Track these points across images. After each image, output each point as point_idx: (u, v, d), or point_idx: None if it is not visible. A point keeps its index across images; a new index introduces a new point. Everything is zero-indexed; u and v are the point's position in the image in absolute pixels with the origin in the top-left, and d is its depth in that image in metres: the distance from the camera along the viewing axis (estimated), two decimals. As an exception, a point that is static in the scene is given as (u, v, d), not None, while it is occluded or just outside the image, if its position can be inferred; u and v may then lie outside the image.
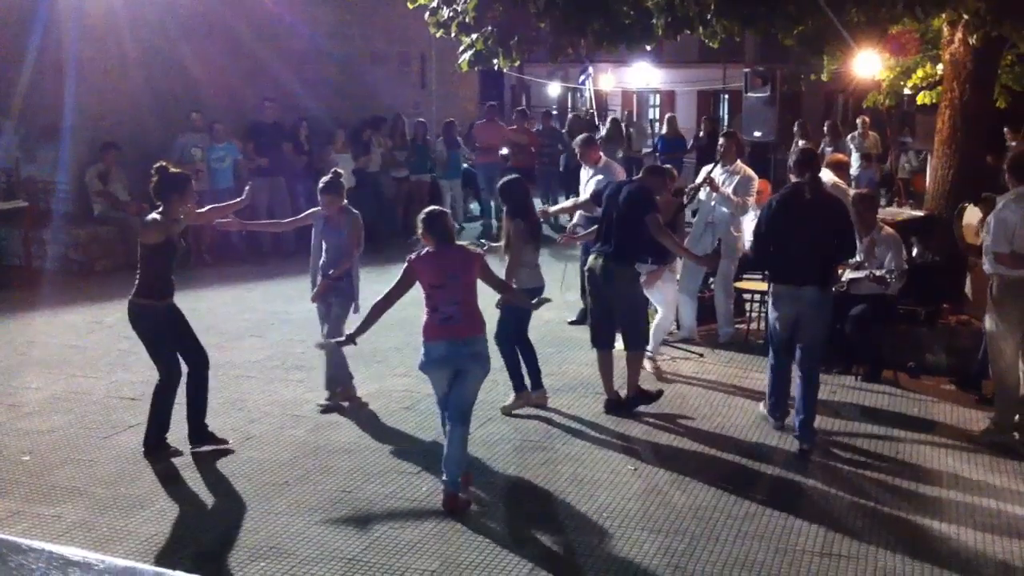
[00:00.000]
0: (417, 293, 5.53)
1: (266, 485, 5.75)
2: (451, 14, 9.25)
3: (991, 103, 9.96)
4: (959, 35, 9.05)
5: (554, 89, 28.71)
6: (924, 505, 5.51)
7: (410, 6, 9.76)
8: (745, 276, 9.15)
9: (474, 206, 16.96)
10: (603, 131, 16.61)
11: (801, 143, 13.52)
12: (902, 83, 13.01)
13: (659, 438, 6.53)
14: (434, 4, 9.43)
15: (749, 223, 8.32)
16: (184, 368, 6.20)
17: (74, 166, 12.14)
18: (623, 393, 7.05)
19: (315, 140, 13.94)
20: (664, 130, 18.36)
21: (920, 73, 11.96)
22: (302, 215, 7.44)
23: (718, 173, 8.68)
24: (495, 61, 9.37)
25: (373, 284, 7.94)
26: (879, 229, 7.85)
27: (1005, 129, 12.90)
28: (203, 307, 9.66)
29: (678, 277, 8.47)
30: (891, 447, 6.39)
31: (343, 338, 5.60)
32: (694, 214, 9.00)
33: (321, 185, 6.99)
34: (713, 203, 8.64)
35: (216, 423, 6.60)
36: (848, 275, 7.71)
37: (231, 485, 5.76)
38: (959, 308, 8.40)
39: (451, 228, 5.63)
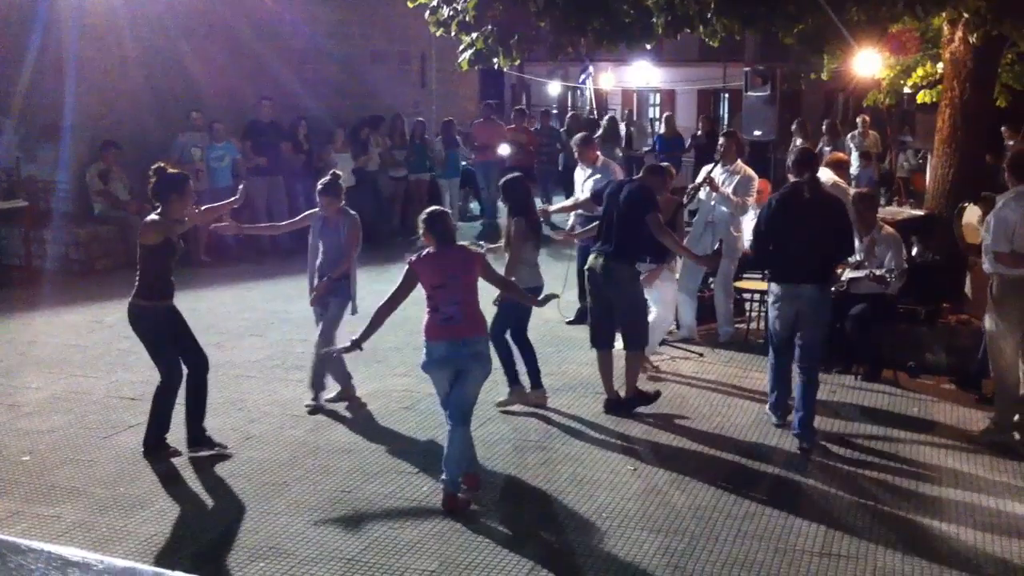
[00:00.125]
0: (418, 293, 5.54)
1: (265, 485, 5.75)
2: (451, 13, 9.25)
3: (991, 102, 9.96)
4: (959, 34, 9.05)
5: (554, 88, 28.69)
6: (924, 505, 5.51)
7: (410, 5, 9.75)
8: (745, 276, 9.15)
9: (474, 205, 16.96)
10: (600, 130, 16.62)
11: (799, 142, 13.54)
12: (902, 82, 12.99)
13: (659, 438, 6.53)
14: (434, 3, 9.42)
15: (749, 222, 8.32)
16: (184, 369, 6.20)
17: (74, 165, 12.14)
18: (623, 393, 7.05)
19: (315, 139, 13.93)
20: (662, 129, 18.36)
21: (920, 72, 11.95)
22: (299, 217, 7.41)
23: (718, 173, 8.68)
24: (495, 60, 9.37)
25: (372, 284, 7.97)
26: (879, 228, 7.86)
27: (1003, 128, 12.89)
28: (203, 306, 9.67)
29: (676, 276, 8.48)
30: (891, 447, 6.39)
31: (349, 344, 5.59)
32: (692, 214, 9.01)
33: (320, 187, 6.98)
34: (713, 203, 8.64)
35: (216, 423, 6.60)
36: (848, 274, 7.71)
37: (230, 485, 5.76)
38: (959, 307, 8.40)
39: (452, 228, 5.63)
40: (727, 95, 27.81)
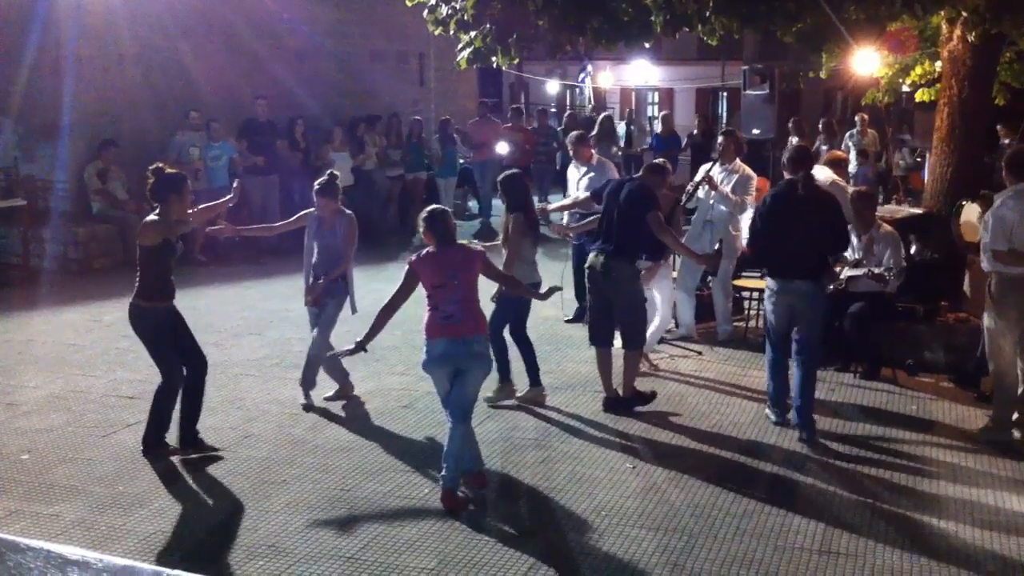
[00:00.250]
0: (418, 291, 5.55)
1: (264, 483, 5.75)
2: (450, 12, 9.24)
3: (990, 100, 9.95)
4: (958, 32, 9.05)
5: (553, 87, 28.70)
6: (922, 503, 5.51)
7: (408, 3, 9.73)
8: (743, 274, 9.16)
9: (473, 204, 16.97)
10: (596, 129, 16.62)
11: (795, 141, 13.52)
12: (901, 80, 12.99)
13: (657, 436, 6.53)
14: (432, 2, 9.41)
15: (747, 221, 8.32)
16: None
17: (73, 164, 12.14)
18: (622, 391, 7.05)
19: (313, 138, 13.93)
20: (659, 128, 18.36)
21: (919, 70, 11.93)
22: (294, 218, 7.33)
23: (717, 172, 8.69)
24: (494, 59, 9.37)
25: (371, 283, 7.99)
26: (878, 227, 7.87)
27: (998, 127, 12.87)
28: (202, 305, 9.66)
29: (674, 274, 8.48)
30: (889, 445, 6.39)
31: (353, 346, 5.59)
32: (691, 213, 9.00)
33: (317, 187, 6.96)
34: (712, 202, 8.64)
35: (214, 421, 6.61)
36: (847, 273, 7.72)
37: (229, 483, 5.76)
38: (958, 305, 8.40)
39: (452, 227, 5.63)
40: (725, 94, 27.77)
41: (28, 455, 6.18)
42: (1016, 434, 6.39)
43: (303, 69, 14.82)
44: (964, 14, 8.05)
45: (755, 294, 8.97)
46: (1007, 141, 12.16)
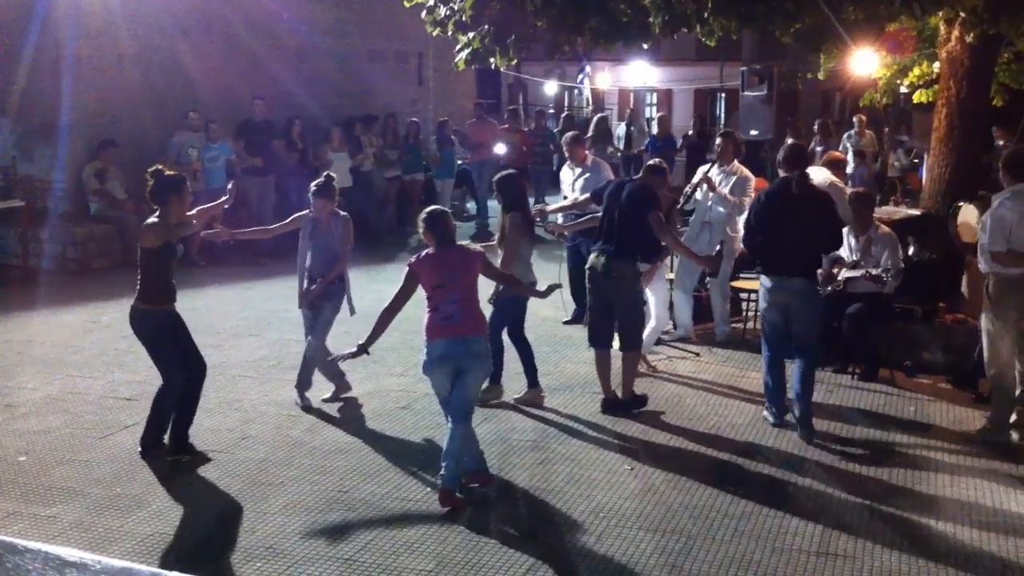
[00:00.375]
0: (418, 292, 5.55)
1: (262, 485, 5.74)
2: (448, 12, 9.23)
3: (988, 101, 9.97)
4: (956, 33, 9.05)
5: (551, 88, 28.68)
6: (921, 504, 5.51)
7: (407, 4, 9.73)
8: (742, 275, 9.16)
9: (471, 205, 16.97)
10: (591, 130, 16.63)
11: (790, 140, 13.52)
12: (899, 81, 12.99)
13: (656, 437, 6.53)
14: (431, 2, 9.40)
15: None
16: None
17: (71, 164, 12.13)
18: (620, 393, 7.05)
19: (311, 138, 13.92)
20: (655, 130, 18.36)
21: (917, 71, 11.94)
22: (289, 220, 7.25)
23: (715, 173, 8.69)
24: (492, 59, 9.36)
25: (370, 283, 7.99)
26: (876, 228, 7.87)
27: (994, 128, 12.87)
28: (201, 305, 9.66)
29: (670, 276, 8.48)
30: (887, 446, 6.40)
31: (355, 350, 5.58)
32: (688, 214, 9.00)
33: (314, 188, 6.93)
34: (710, 203, 8.65)
35: (212, 422, 6.60)
36: (845, 274, 7.72)
37: (227, 485, 5.75)
38: (955, 306, 8.40)
39: (452, 228, 5.64)
40: (724, 94, 27.77)
41: (26, 457, 6.18)
42: (1014, 435, 6.39)
43: (302, 69, 14.83)
44: (962, 15, 8.06)
45: (753, 295, 8.96)
46: (1002, 143, 12.16)
